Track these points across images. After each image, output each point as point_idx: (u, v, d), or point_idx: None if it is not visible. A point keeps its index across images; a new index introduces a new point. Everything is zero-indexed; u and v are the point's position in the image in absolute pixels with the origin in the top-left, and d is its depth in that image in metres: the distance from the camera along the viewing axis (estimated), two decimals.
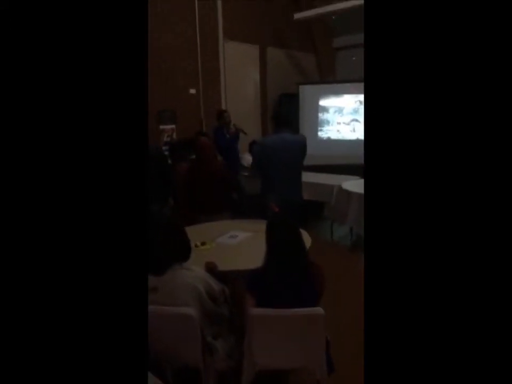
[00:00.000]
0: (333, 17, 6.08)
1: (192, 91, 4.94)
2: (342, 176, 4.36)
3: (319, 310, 1.44)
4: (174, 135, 4.81)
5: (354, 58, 6.18)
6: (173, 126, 4.81)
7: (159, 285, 1.64)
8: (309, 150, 6.24)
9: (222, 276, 1.91)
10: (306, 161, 6.08)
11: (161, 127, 4.70)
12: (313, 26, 6.28)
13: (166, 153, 3.68)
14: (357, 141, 5.62)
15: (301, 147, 2.87)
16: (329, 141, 5.80)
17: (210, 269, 1.93)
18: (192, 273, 1.68)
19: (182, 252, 1.73)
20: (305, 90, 5.78)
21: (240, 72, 5.56)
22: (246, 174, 4.54)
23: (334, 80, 6.49)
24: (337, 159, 5.52)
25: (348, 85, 5.74)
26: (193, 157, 3.49)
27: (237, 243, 2.42)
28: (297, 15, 5.41)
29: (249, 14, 5.51)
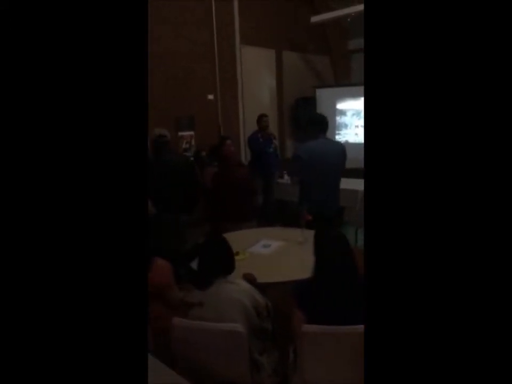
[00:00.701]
0: (348, 20, 6.04)
1: (210, 97, 4.91)
2: (361, 180, 4.29)
3: None
4: (193, 142, 4.78)
5: None
6: (192, 132, 4.78)
7: (204, 300, 1.60)
8: None
9: (261, 288, 1.87)
10: None
11: (180, 133, 4.67)
12: (328, 28, 6.24)
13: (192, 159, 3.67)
14: None
15: (341, 154, 2.82)
16: (347, 144, 5.71)
17: (250, 281, 1.88)
18: (238, 287, 1.64)
19: (227, 264, 1.69)
20: (322, 94, 5.74)
21: (256, 77, 5.53)
22: (280, 180, 4.56)
23: (350, 83, 6.43)
24: (356, 162, 5.45)
25: None
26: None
27: (272, 252, 2.37)
28: (313, 18, 5.36)
29: (265, 18, 5.48)
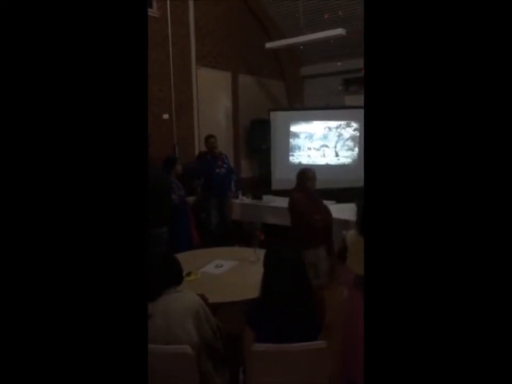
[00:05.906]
0: (301, 47, 6.33)
1: (165, 116, 4.90)
2: None
3: (322, 343, 1.43)
4: None
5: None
6: None
7: (153, 311, 1.57)
8: (281, 175, 6.29)
9: (212, 308, 1.86)
10: (278, 186, 6.11)
11: None
12: (282, 55, 6.50)
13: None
14: (327, 165, 5.78)
15: None
16: (300, 165, 5.89)
17: None
18: (187, 295, 1.66)
19: (176, 275, 1.71)
20: (276, 117, 5.90)
21: (212, 98, 5.60)
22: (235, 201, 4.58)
23: (303, 107, 6.69)
24: None
25: (317, 111, 5.94)
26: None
27: (224, 272, 2.37)
28: (268, 44, 5.58)
29: (221, 42, 5.61)
